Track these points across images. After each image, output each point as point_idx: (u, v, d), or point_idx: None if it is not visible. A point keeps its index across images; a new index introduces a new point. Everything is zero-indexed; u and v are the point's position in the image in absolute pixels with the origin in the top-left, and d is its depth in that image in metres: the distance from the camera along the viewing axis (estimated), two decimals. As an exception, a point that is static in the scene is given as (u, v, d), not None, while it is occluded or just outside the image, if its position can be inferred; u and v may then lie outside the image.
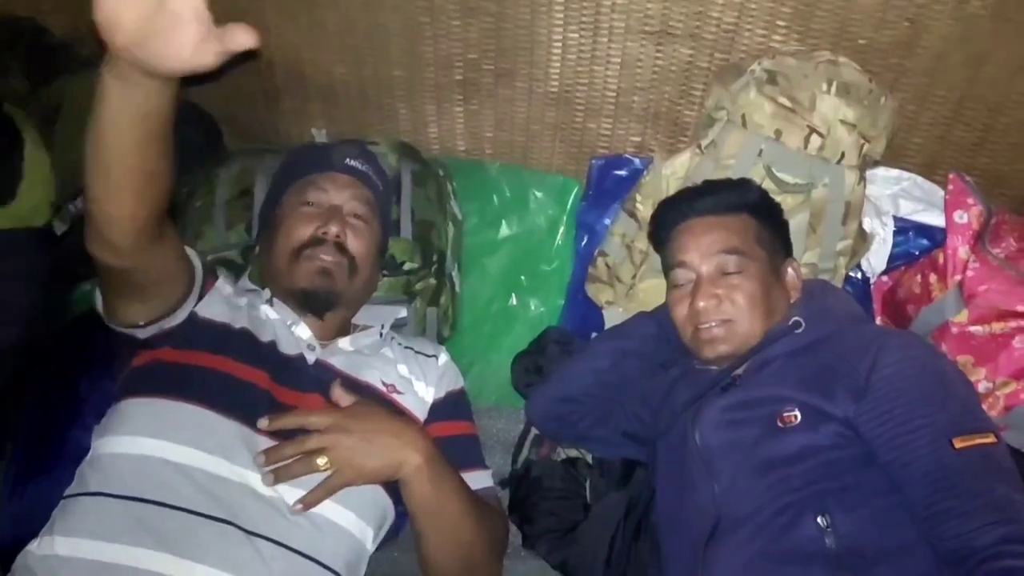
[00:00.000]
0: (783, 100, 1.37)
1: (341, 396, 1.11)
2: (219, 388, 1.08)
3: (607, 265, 1.57)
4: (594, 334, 1.57)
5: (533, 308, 1.68)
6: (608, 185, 1.66)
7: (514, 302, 1.69)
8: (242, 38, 0.76)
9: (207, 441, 1.03)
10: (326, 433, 1.05)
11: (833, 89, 1.36)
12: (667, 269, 1.29)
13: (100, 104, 0.87)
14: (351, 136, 1.69)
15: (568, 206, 1.71)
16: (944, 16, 1.38)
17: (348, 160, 1.32)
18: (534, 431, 1.48)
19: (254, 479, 1.03)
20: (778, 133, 1.38)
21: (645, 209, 1.48)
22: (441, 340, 1.57)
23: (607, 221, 1.63)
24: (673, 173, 1.48)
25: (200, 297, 1.16)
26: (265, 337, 1.17)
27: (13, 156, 1.52)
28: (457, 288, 1.63)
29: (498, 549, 1.21)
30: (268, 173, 1.52)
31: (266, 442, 1.06)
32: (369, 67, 1.64)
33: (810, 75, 1.38)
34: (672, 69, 1.54)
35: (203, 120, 1.70)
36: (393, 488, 1.15)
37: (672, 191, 1.44)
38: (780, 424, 1.08)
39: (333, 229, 1.23)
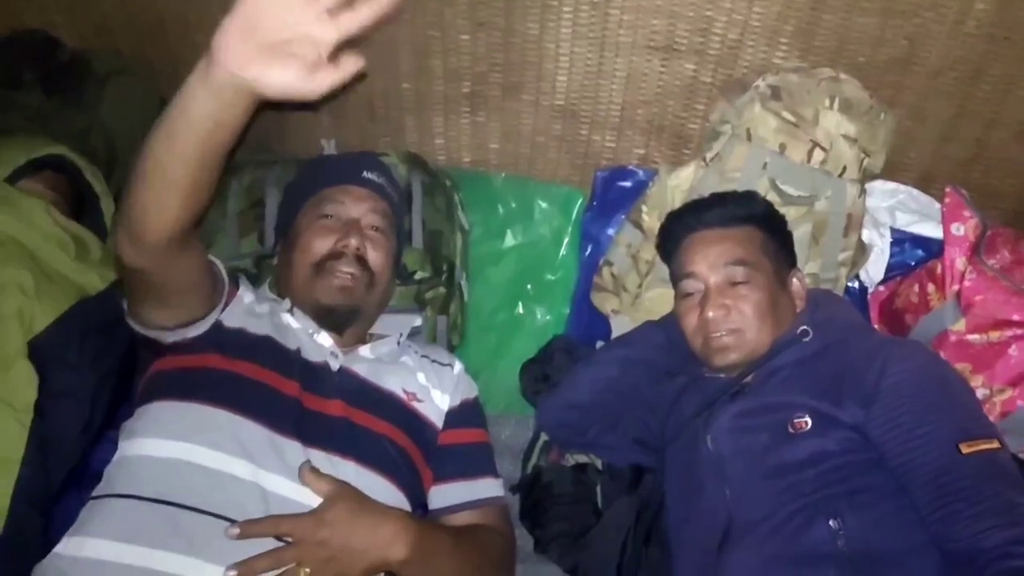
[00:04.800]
0: (787, 115, 1.41)
1: (313, 480, 1.03)
2: (248, 393, 1.09)
3: (612, 275, 1.59)
4: (599, 342, 1.59)
5: (539, 317, 1.71)
6: (612, 196, 1.69)
7: (521, 311, 1.71)
8: (352, 65, 0.77)
9: (235, 445, 1.04)
10: (302, 546, 0.98)
11: (835, 105, 1.41)
12: (676, 280, 1.32)
13: (179, 111, 0.85)
14: (358, 147, 1.71)
15: (573, 216, 1.74)
16: (941, 35, 1.43)
17: (364, 173, 1.33)
18: (543, 437, 1.50)
19: (282, 485, 1.03)
20: (782, 147, 1.42)
21: (651, 220, 1.52)
22: (450, 348, 1.59)
23: (611, 231, 1.66)
24: (678, 185, 1.51)
25: (225, 307, 1.16)
26: (291, 344, 1.18)
27: (101, 222, 1.44)
28: (466, 297, 1.65)
29: (504, 570, 1.22)
30: (278, 184, 1.54)
31: (296, 448, 1.06)
32: (378, 80, 1.66)
33: (813, 91, 1.42)
34: (676, 84, 1.58)
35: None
36: (413, 497, 1.18)
37: (677, 203, 1.47)
38: (791, 430, 1.11)
39: (353, 242, 1.24)
